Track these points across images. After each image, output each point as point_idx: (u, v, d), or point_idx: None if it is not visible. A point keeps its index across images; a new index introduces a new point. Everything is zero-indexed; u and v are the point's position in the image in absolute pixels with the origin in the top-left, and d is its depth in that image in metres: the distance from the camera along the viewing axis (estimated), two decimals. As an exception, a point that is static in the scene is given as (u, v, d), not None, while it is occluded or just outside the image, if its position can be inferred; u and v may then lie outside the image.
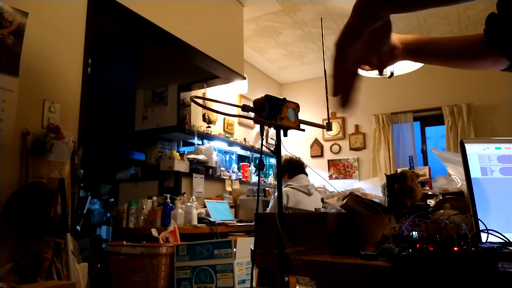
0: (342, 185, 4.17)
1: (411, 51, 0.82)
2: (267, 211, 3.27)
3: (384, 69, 0.75)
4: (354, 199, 0.98)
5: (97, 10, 2.43)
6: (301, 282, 2.23)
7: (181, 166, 3.44)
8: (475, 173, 0.76)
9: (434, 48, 0.84)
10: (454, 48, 0.83)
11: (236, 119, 4.88)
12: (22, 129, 1.88)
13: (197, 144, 4.00)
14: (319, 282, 1.18)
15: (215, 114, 4.30)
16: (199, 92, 4.03)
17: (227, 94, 4.58)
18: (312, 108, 4.29)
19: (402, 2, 0.64)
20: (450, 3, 0.62)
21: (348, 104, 0.70)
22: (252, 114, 0.89)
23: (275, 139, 0.88)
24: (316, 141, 5.62)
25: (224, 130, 4.58)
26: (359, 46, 0.68)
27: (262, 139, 0.93)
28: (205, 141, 4.15)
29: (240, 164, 4.68)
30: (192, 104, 3.73)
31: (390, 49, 0.78)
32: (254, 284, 2.25)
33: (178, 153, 3.50)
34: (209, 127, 4.14)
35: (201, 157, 3.68)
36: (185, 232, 2.81)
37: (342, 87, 0.70)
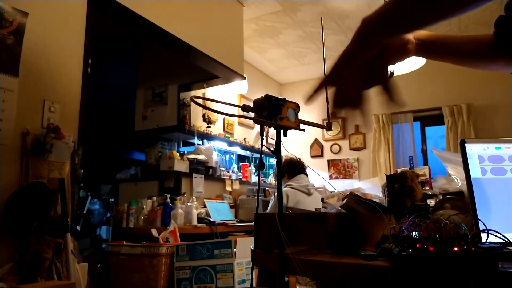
0: (342, 185, 4.17)
1: (423, 47, 0.81)
2: (267, 211, 3.27)
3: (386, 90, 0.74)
4: (354, 199, 0.98)
5: (97, 10, 2.43)
6: (301, 282, 2.23)
7: (181, 166, 3.44)
8: (475, 173, 0.76)
9: (446, 45, 0.83)
10: (466, 47, 0.82)
11: (236, 119, 4.88)
12: (22, 129, 1.88)
13: (197, 144, 3.99)
14: (319, 282, 1.18)
15: (215, 114, 4.30)
16: (199, 92, 4.03)
17: (227, 94, 4.57)
18: (312, 108, 4.28)
19: (402, 29, 0.64)
20: (447, 17, 0.61)
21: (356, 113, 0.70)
22: (252, 114, 0.89)
23: (275, 139, 0.88)
24: (316, 141, 5.62)
25: (224, 130, 4.58)
26: (356, 72, 0.69)
27: (262, 139, 0.93)
28: (205, 141, 4.14)
29: (240, 164, 4.68)
30: (192, 104, 3.73)
31: (403, 43, 0.78)
32: (254, 284, 2.25)
33: (178, 153, 3.50)
34: (209, 127, 4.14)
35: (201, 157, 3.68)
36: (185, 232, 2.81)
37: (344, 101, 0.70)
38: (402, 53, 0.79)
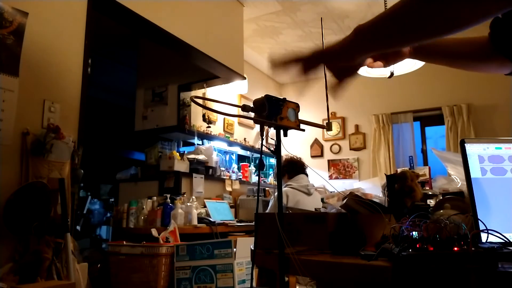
0: (342, 185, 4.17)
1: (418, 50, 0.81)
2: (267, 211, 3.27)
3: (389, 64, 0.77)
4: (354, 199, 0.98)
5: (97, 10, 2.43)
6: (301, 282, 2.23)
7: (181, 166, 3.44)
8: (475, 173, 0.76)
9: (441, 47, 0.83)
10: (461, 50, 0.82)
11: (236, 119, 4.88)
12: (22, 129, 1.88)
13: (197, 144, 3.99)
14: (319, 282, 1.18)
15: (215, 114, 4.30)
16: (199, 92, 4.03)
17: (227, 94, 4.57)
18: (312, 108, 4.29)
19: (395, 43, 0.66)
20: (428, 38, 0.64)
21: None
22: (252, 114, 0.89)
23: (275, 139, 0.88)
24: (316, 141, 5.62)
25: (224, 130, 4.58)
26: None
27: (262, 139, 0.93)
28: (205, 141, 4.14)
29: (240, 164, 4.68)
30: (192, 104, 3.73)
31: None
32: (254, 284, 2.25)
33: (178, 153, 3.50)
34: (209, 127, 4.14)
35: (201, 157, 3.68)
36: (185, 232, 2.81)
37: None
38: (397, 56, 0.79)
